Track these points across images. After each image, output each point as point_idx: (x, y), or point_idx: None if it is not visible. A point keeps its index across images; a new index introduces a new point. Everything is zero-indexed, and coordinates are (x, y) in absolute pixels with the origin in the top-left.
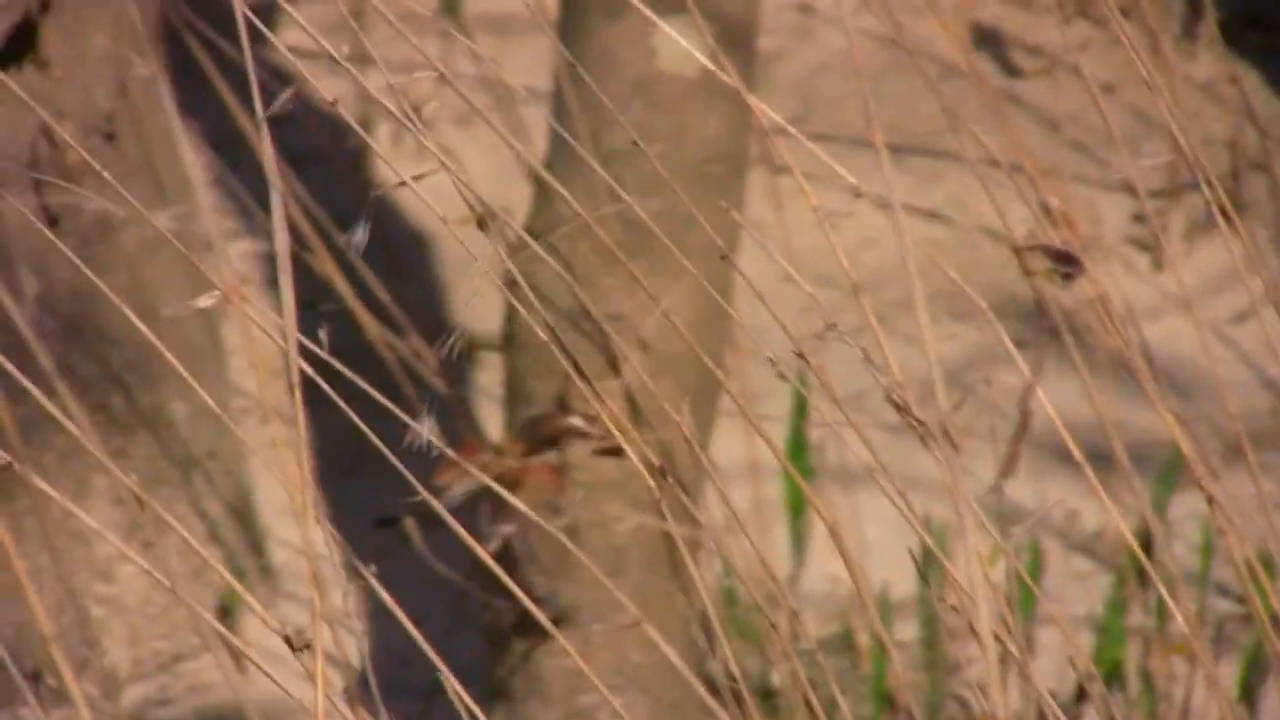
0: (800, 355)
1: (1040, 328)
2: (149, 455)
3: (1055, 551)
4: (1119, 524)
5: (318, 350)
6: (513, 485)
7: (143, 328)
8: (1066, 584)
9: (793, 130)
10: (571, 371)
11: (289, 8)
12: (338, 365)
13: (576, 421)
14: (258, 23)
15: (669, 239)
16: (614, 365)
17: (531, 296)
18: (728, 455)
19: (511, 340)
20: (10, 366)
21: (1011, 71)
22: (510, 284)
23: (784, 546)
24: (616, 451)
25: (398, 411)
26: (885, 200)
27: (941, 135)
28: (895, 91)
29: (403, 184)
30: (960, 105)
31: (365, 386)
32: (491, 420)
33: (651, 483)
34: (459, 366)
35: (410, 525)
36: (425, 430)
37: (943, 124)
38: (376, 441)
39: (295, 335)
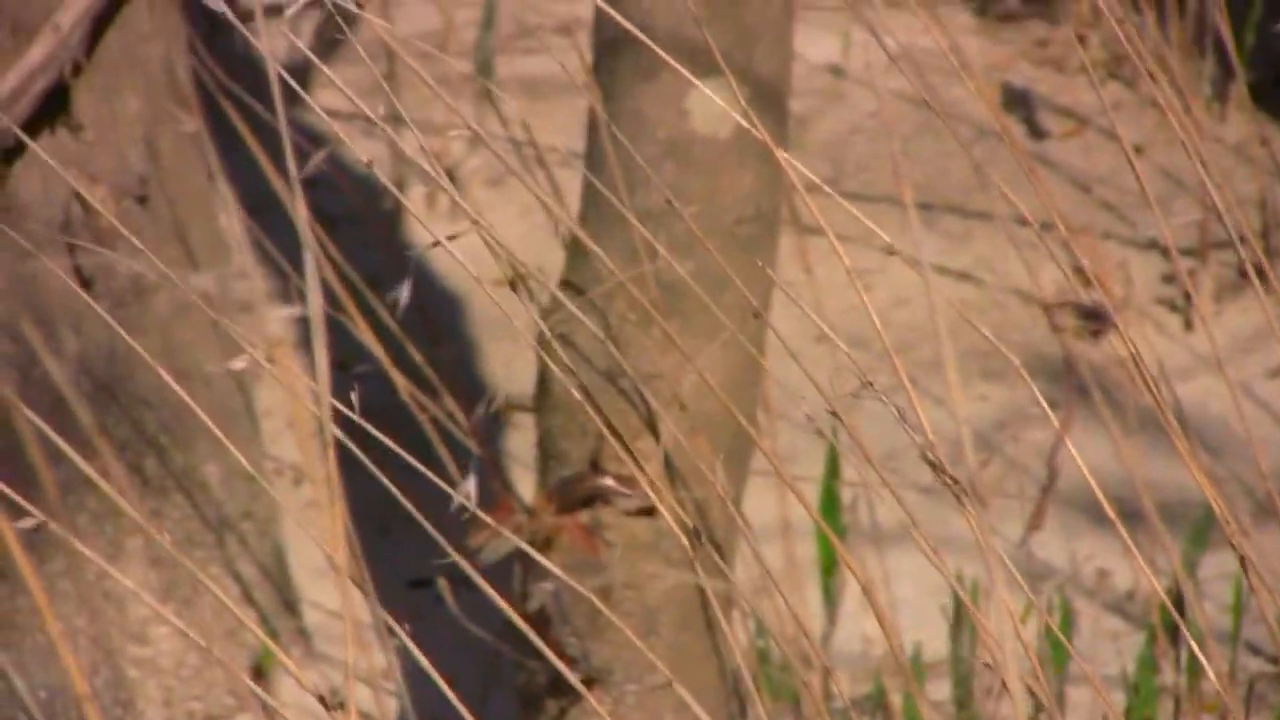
0: (834, 414)
1: (1070, 387)
2: (183, 517)
3: (1087, 610)
4: (1150, 582)
5: (350, 413)
6: (546, 546)
7: (177, 389)
8: (1098, 642)
9: (826, 189)
10: (605, 431)
11: (325, 69)
12: (369, 428)
13: (610, 482)
14: (294, 84)
15: (703, 298)
16: (648, 425)
17: (566, 356)
18: (760, 514)
19: (545, 400)
20: (47, 428)
21: (1042, 133)
22: (544, 344)
23: (816, 606)
24: (650, 511)
25: (429, 474)
26: (916, 260)
27: (972, 195)
28: (926, 152)
29: (437, 244)
30: (991, 166)
31: (397, 449)
32: (524, 481)
33: (685, 542)
34: (492, 427)
35: (444, 586)
36: (464, 493)
37: (974, 184)
38: (407, 505)
39: (329, 398)
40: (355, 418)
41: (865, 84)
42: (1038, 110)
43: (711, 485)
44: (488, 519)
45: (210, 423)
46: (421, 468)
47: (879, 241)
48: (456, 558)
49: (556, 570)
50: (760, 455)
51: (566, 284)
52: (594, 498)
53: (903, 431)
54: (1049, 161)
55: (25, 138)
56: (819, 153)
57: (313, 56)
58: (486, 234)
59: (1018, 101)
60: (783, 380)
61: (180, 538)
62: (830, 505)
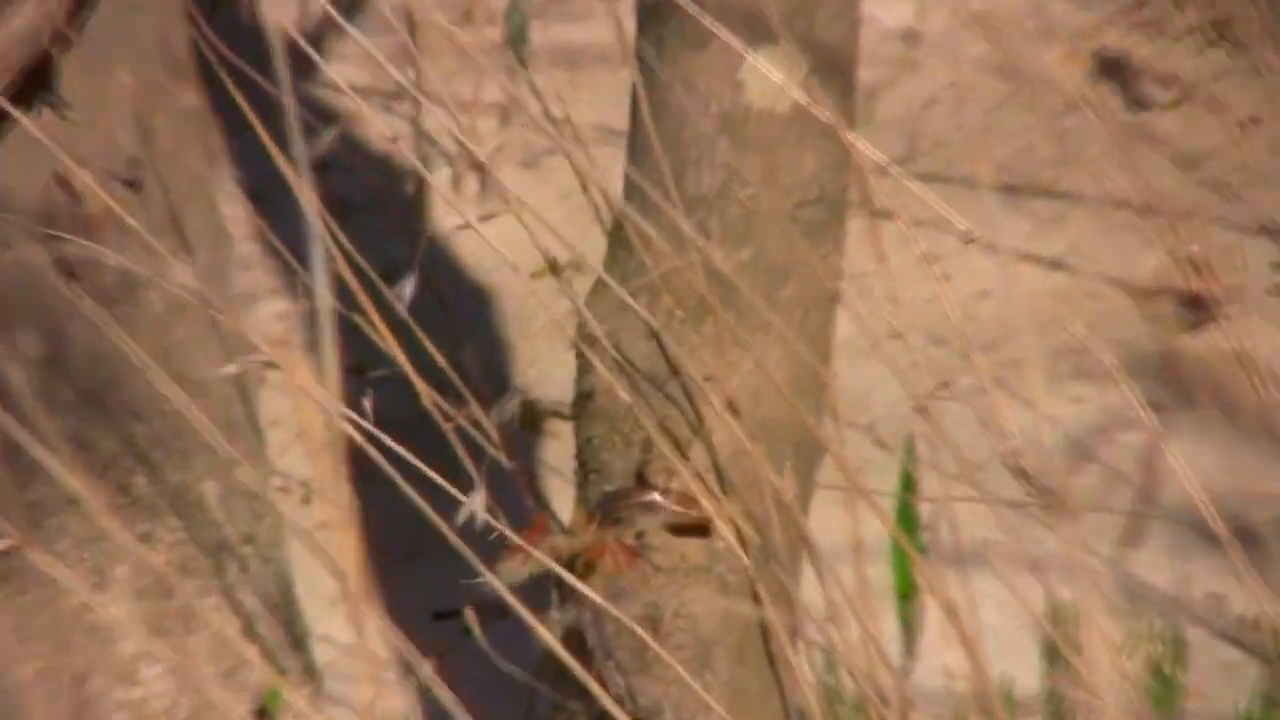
0: (913, 419)
1: (1174, 387)
2: (177, 541)
3: (1198, 639)
4: (1268, 607)
5: (365, 422)
6: (586, 570)
7: (171, 396)
8: (1211, 675)
9: (897, 170)
10: (654, 439)
11: (350, 28)
12: (387, 439)
13: (658, 497)
14: (309, 49)
15: (761, 292)
16: (700, 434)
17: (607, 356)
18: (828, 533)
19: (584, 406)
20: (23, 439)
21: (1140, 104)
22: (583, 342)
23: (893, 635)
24: (703, 530)
25: (454, 492)
26: (1000, 247)
27: (1063, 174)
28: (1010, 127)
29: (465, 226)
30: (1083, 141)
31: (418, 463)
32: (561, 497)
33: (744, 564)
34: (525, 437)
35: (472, 616)
36: (479, 506)
37: (1064, 162)
38: (435, 520)
39: (341, 404)
40: (371, 428)
41: (942, 51)
42: (1135, 79)
43: (773, 500)
44: (520, 540)
45: (209, 434)
46: (446, 484)
47: (958, 227)
48: (491, 581)
49: (598, 597)
50: (827, 466)
51: (609, 274)
52: (640, 515)
53: (986, 438)
54: (1148, 135)
55: (8, 107)
56: (890, 128)
57: (336, 15)
58: (520, 218)
59: (1112, 69)
60: (851, 383)
61: (174, 564)
62: (907, 522)
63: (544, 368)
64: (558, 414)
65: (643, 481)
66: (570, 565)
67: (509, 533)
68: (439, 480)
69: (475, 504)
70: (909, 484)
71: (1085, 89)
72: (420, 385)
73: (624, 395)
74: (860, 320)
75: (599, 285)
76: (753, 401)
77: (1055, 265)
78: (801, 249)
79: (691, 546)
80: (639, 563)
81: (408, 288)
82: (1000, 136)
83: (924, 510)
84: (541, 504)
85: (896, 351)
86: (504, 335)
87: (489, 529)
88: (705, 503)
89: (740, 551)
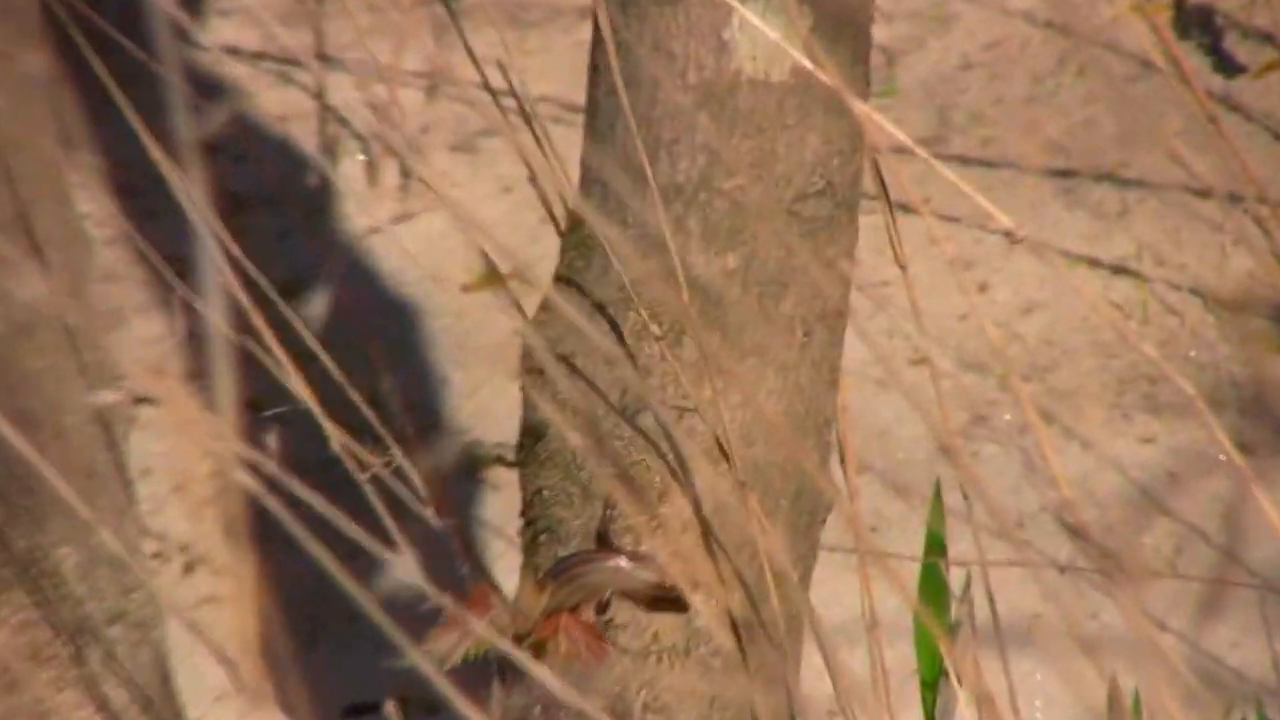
0: (951, 456)
1: (1267, 423)
2: (25, 622)
3: None
4: None
5: (262, 470)
6: (536, 651)
7: (17, 441)
8: None
9: (924, 153)
10: (618, 490)
11: None
12: (289, 491)
13: (624, 562)
14: (180, 7)
15: (752, 305)
16: (677, 482)
17: (560, 387)
18: (835, 607)
19: (533, 449)
20: None
21: (1230, 68)
22: (531, 370)
23: None
24: (680, 603)
25: (376, 550)
26: (1052, 248)
27: (1131, 158)
28: (1067, 98)
29: (383, 228)
30: (1158, 116)
31: (330, 519)
32: (505, 562)
33: (733, 642)
34: (460, 488)
35: (393, 710)
36: (407, 572)
37: (1133, 141)
38: (351, 590)
39: (233, 448)
40: (270, 476)
41: (982, 3)
42: (1223, 36)
43: (767, 565)
44: (456, 613)
45: (64, 488)
46: (365, 544)
47: (999, 224)
48: (418, 662)
49: (552, 685)
50: (835, 522)
51: (564, 284)
52: (602, 585)
53: (1032, 487)
54: (1239, 107)
55: None
56: (916, 101)
57: None
58: (453, 216)
59: (1195, 24)
60: (865, 418)
61: (22, 650)
62: (934, 592)
63: (483, 402)
64: (500, 459)
65: (605, 543)
66: (517, 645)
67: (442, 605)
68: (357, 540)
69: (402, 569)
70: (936, 544)
71: (1159, 49)
72: (329, 425)
73: (581, 436)
74: (876, 341)
75: (551, 299)
76: (743, 441)
77: (1119, 270)
78: (802, 252)
79: (666, 623)
80: (601, 644)
81: (315, 304)
82: (1052, 109)
83: (954, 577)
84: (481, 571)
85: (920, 380)
86: (433, 362)
87: (417, 601)
88: (683, 569)
89: (726, 629)
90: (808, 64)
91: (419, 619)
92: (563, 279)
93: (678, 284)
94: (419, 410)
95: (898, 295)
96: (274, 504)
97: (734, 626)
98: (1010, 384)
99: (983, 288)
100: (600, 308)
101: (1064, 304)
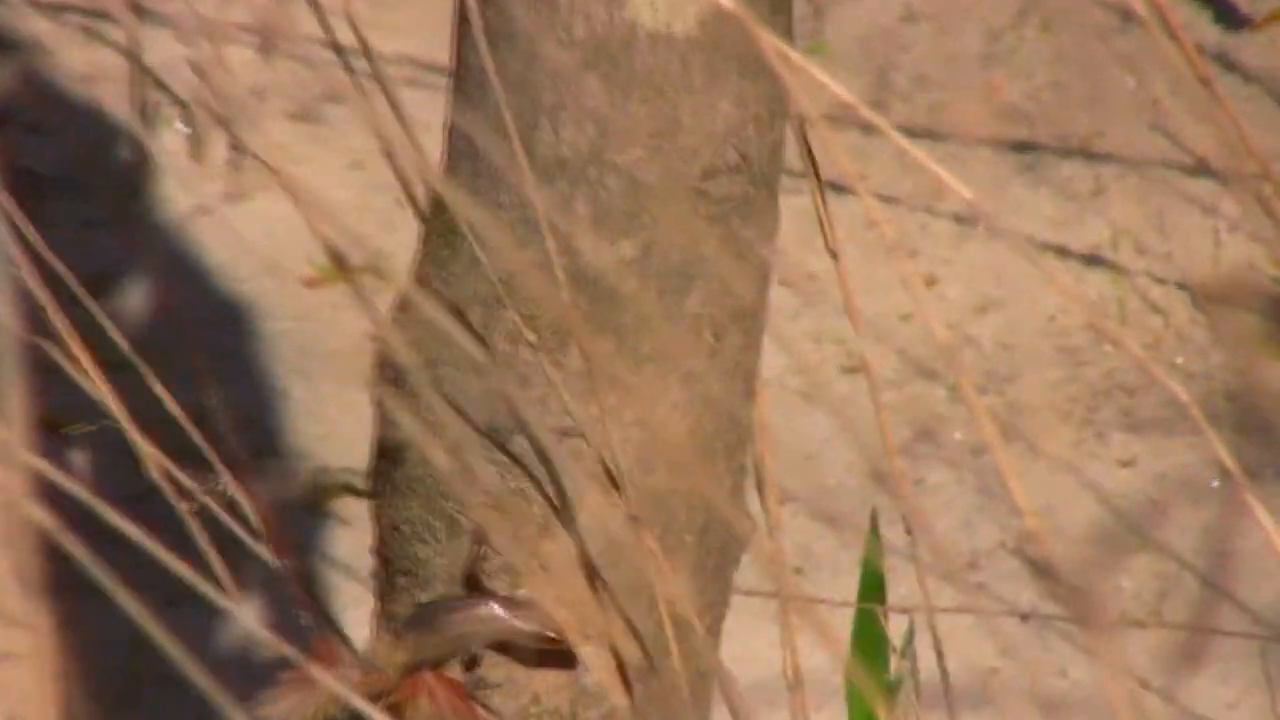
0: (891, 483)
1: (1263, 440)
2: None
3: None
4: None
5: (69, 500)
6: (394, 715)
7: None
8: None
9: (867, 114)
10: (490, 525)
11: None
12: (102, 521)
13: (498, 609)
14: None
15: (652, 302)
16: (561, 515)
17: (421, 401)
18: (751, 662)
19: (388, 476)
20: None
21: (1230, 19)
22: (386, 381)
23: None
24: (566, 659)
25: (202, 596)
26: (1013, 234)
27: (1106, 126)
28: (1029, 56)
29: (211, 212)
30: (1144, 75)
31: (147, 557)
32: (356, 611)
33: (628, 704)
34: (304, 522)
35: None
36: (244, 623)
37: (1108, 108)
38: (168, 646)
39: (27, 475)
40: (75, 507)
41: None
42: None
43: (668, 614)
44: (298, 668)
45: None
46: (190, 587)
47: (951, 203)
48: None
49: None
50: (752, 562)
51: (425, 280)
52: (471, 637)
53: (988, 519)
54: (1238, 66)
55: None
56: (850, 60)
57: None
58: (292, 198)
59: None
60: (789, 438)
61: None
62: (871, 644)
63: (330, 419)
64: (350, 488)
65: (475, 587)
66: (371, 707)
67: (281, 660)
68: (179, 585)
69: (233, 618)
70: (873, 588)
71: None
72: (145, 447)
73: (447, 459)
74: (801, 346)
75: (409, 296)
76: (639, 466)
77: (1093, 260)
78: (712, 239)
79: (548, 682)
80: (470, 706)
81: (129, 303)
82: (1012, 70)
83: (895, 627)
84: (327, 619)
85: (855, 391)
86: (271, 373)
87: (251, 656)
88: (569, 618)
89: (620, 689)
90: (719, 11)
91: (253, 677)
92: (424, 273)
93: (561, 278)
94: (254, 430)
95: (828, 290)
96: (75, 543)
97: (628, 686)
98: (962, 395)
99: (930, 281)
100: (468, 307)
101: (1026, 301)
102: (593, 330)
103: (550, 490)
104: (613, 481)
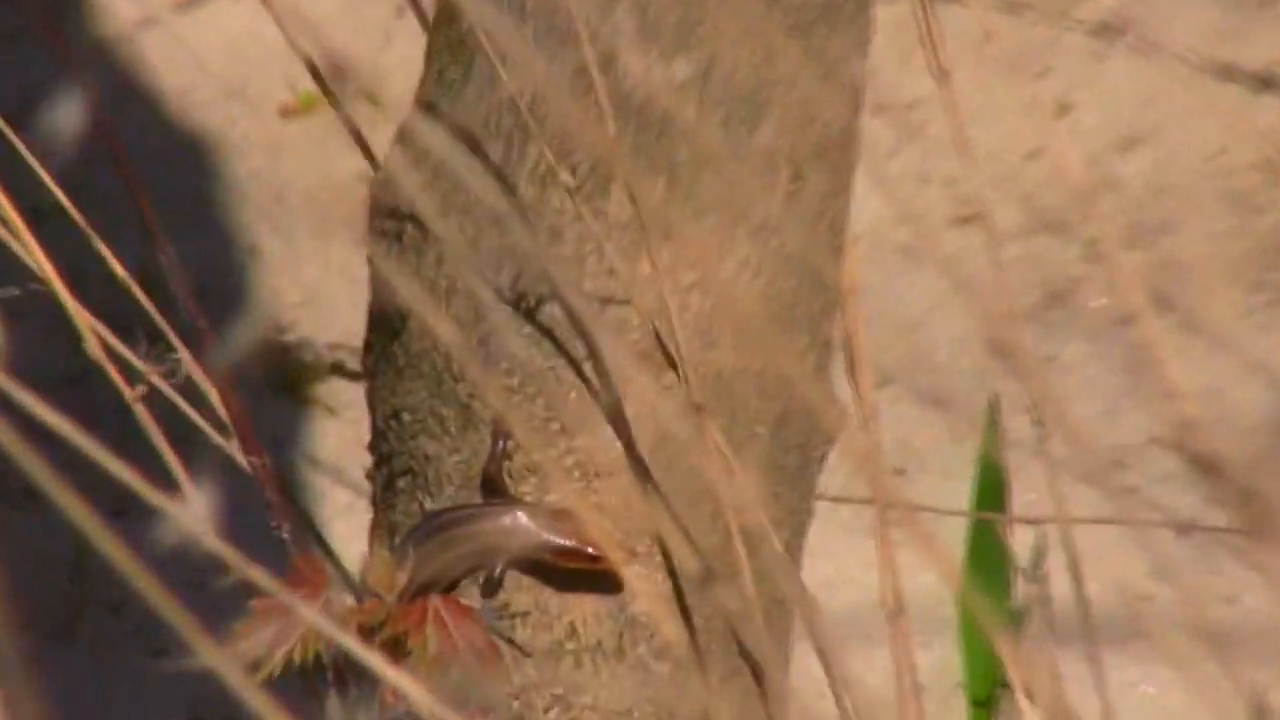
0: (1014, 359)
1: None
2: None
3: None
4: None
5: None
6: (393, 651)
7: None
8: None
9: None
10: (512, 415)
11: None
12: (29, 409)
13: (522, 519)
14: None
15: (715, 135)
16: (600, 400)
17: (426, 257)
18: (842, 587)
19: (387, 351)
20: None
21: None
22: (383, 234)
23: None
24: (609, 580)
25: (154, 500)
26: (1166, 50)
27: None
28: None
29: (154, 26)
30: None
31: (86, 452)
32: (346, 521)
33: (687, 638)
34: (280, 409)
35: None
36: (202, 533)
37: None
38: (114, 559)
39: None
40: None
41: None
42: None
43: (736, 526)
44: (275, 592)
45: None
46: (139, 490)
47: (1088, 10)
48: (219, 669)
49: (417, 700)
50: (842, 462)
51: (431, 106)
52: (490, 555)
53: (1134, 404)
54: None
55: None
56: None
57: None
58: (265, 3)
59: None
60: (887, 304)
61: None
62: (990, 565)
63: (310, 282)
64: (338, 368)
65: (495, 491)
66: (364, 642)
67: (252, 583)
68: (125, 487)
69: (189, 527)
70: (993, 492)
71: None
72: (83, 317)
73: (458, 331)
74: (902, 190)
75: (412, 128)
76: (700, 340)
77: (1264, 83)
78: (789, 56)
79: (586, 610)
80: (488, 640)
81: (59, 135)
82: None
83: (1020, 542)
84: (310, 532)
85: (969, 247)
86: (234, 223)
87: (214, 577)
88: (611, 531)
89: (675, 619)
90: None
91: (220, 604)
92: (430, 98)
93: (602, 104)
94: (216, 295)
95: (933, 120)
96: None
97: (686, 616)
98: (1104, 253)
99: (1063, 109)
100: (485, 140)
101: (1182, 134)
102: (641, 170)
103: (588, 370)
104: (667, 360)
